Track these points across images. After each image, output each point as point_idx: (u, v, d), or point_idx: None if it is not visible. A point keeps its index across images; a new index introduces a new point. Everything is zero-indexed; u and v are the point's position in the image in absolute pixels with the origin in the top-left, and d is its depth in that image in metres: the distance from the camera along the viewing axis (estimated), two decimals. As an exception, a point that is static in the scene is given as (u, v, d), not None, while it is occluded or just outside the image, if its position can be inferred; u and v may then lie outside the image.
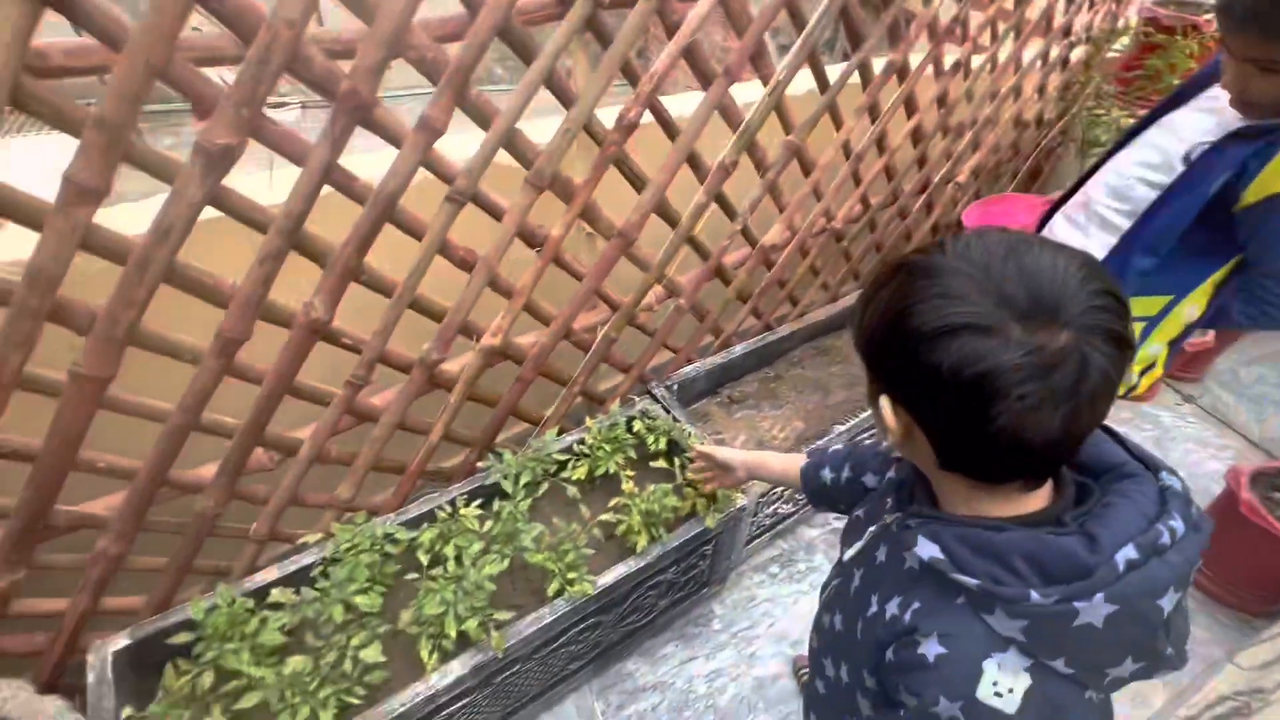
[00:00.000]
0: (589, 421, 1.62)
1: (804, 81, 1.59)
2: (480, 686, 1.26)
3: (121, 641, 1.17)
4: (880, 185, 2.07)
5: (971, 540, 0.57)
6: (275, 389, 1.14)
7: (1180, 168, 1.12)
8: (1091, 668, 0.54)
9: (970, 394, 0.50)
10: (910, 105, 1.88)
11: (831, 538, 1.97)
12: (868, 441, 1.86)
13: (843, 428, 1.73)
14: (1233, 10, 0.94)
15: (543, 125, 1.27)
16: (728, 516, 1.46)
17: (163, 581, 1.26)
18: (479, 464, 1.51)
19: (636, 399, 1.73)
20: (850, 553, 0.76)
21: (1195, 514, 0.55)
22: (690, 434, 1.58)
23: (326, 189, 1.01)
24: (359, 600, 1.17)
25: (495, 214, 1.23)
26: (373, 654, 1.13)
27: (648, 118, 1.31)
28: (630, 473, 1.52)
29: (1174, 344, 1.28)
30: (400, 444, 1.41)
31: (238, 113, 0.86)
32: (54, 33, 0.80)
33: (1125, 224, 1.21)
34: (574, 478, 1.51)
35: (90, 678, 1.12)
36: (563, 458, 1.56)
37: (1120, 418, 2.38)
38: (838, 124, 1.71)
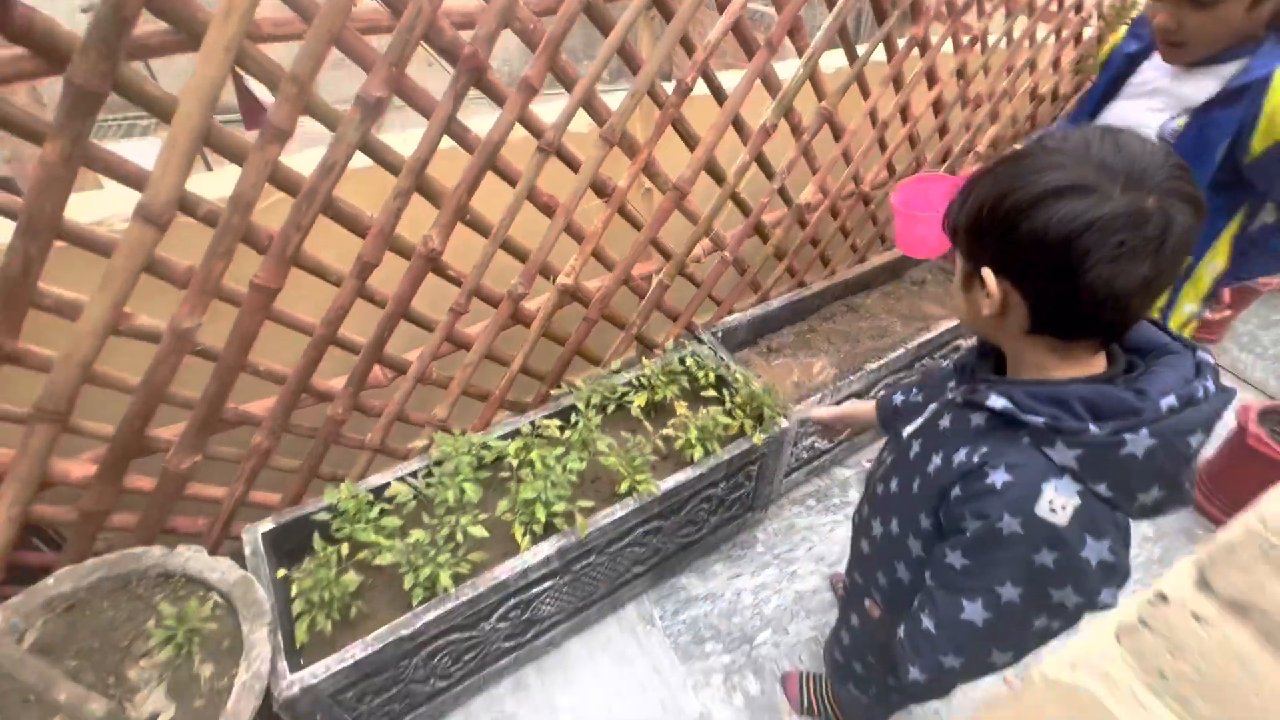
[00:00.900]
0: (645, 361, 1.83)
1: (834, 60, 1.77)
2: (561, 571, 1.46)
3: (269, 525, 1.41)
4: (904, 155, 2.25)
5: (1037, 392, 0.69)
6: (395, 311, 1.37)
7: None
8: (1126, 492, 0.66)
9: (1069, 249, 0.59)
10: (931, 77, 2.06)
11: (864, 476, 2.14)
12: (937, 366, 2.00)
13: (874, 365, 1.91)
14: None
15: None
16: (772, 437, 1.66)
17: (294, 480, 1.50)
18: (551, 394, 1.72)
19: (686, 343, 1.93)
20: (911, 428, 0.89)
21: (1223, 382, 0.68)
22: (737, 373, 1.77)
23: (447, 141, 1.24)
24: (466, 486, 1.39)
25: (573, 165, 1.45)
26: (479, 531, 1.35)
27: (700, 89, 1.52)
28: (684, 403, 1.72)
29: (1205, 301, 1.38)
30: (485, 374, 1.63)
31: (390, 70, 1.09)
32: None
33: None
34: (636, 404, 1.72)
35: (247, 550, 1.36)
36: (624, 390, 1.77)
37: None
38: (865, 94, 1.90)
